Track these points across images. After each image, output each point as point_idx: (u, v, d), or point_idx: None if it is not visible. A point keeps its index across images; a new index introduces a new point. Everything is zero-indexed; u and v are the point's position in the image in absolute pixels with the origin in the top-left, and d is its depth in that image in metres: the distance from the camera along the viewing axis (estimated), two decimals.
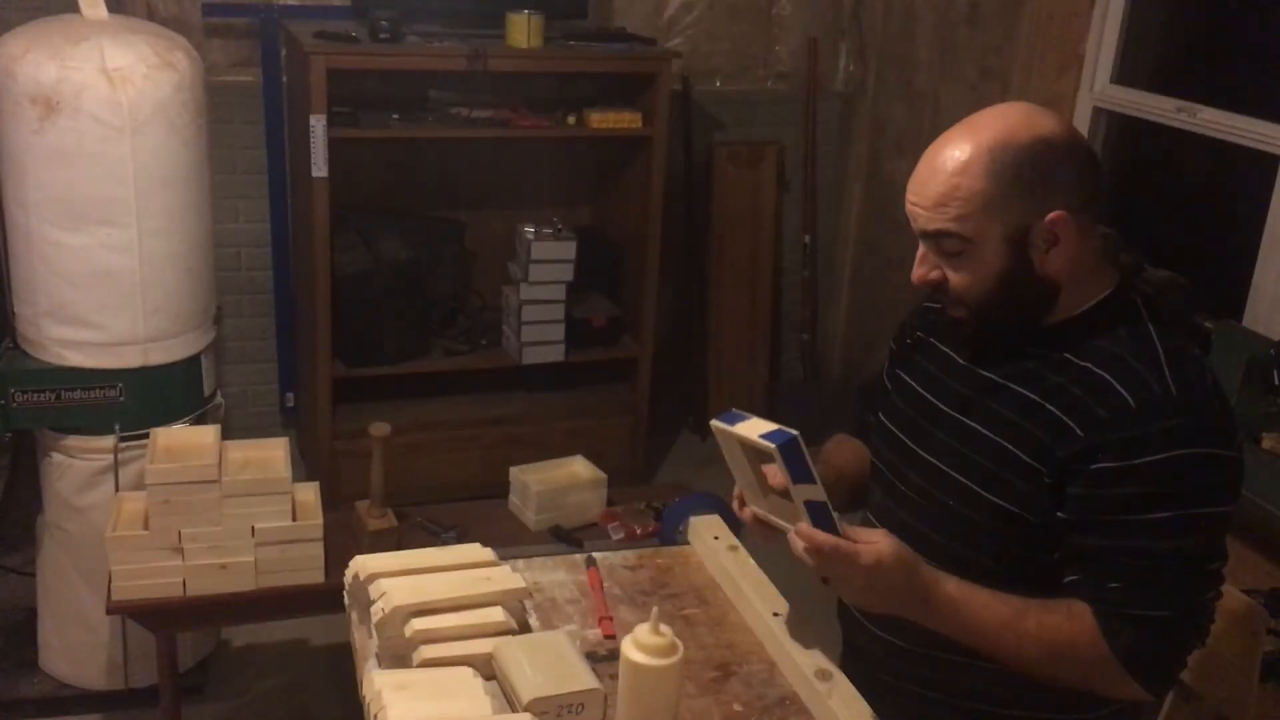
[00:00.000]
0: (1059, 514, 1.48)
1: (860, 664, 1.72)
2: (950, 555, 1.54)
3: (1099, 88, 3.49)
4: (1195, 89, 3.21)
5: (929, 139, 1.54)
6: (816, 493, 1.43)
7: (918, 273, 1.54)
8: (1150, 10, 3.46)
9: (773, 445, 1.41)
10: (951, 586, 1.47)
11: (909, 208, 1.51)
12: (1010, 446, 1.51)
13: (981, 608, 1.47)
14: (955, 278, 1.51)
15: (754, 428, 1.49)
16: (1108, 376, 1.46)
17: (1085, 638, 1.44)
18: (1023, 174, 1.43)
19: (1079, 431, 1.45)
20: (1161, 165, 3.57)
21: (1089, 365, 1.48)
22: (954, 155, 1.45)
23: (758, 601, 1.77)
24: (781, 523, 1.54)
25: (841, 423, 2.00)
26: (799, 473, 1.42)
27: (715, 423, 1.55)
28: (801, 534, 1.44)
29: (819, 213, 4.58)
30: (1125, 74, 3.45)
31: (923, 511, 1.62)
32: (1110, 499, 1.43)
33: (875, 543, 1.43)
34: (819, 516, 1.44)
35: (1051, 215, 1.44)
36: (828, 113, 4.55)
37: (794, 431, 1.43)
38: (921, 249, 1.53)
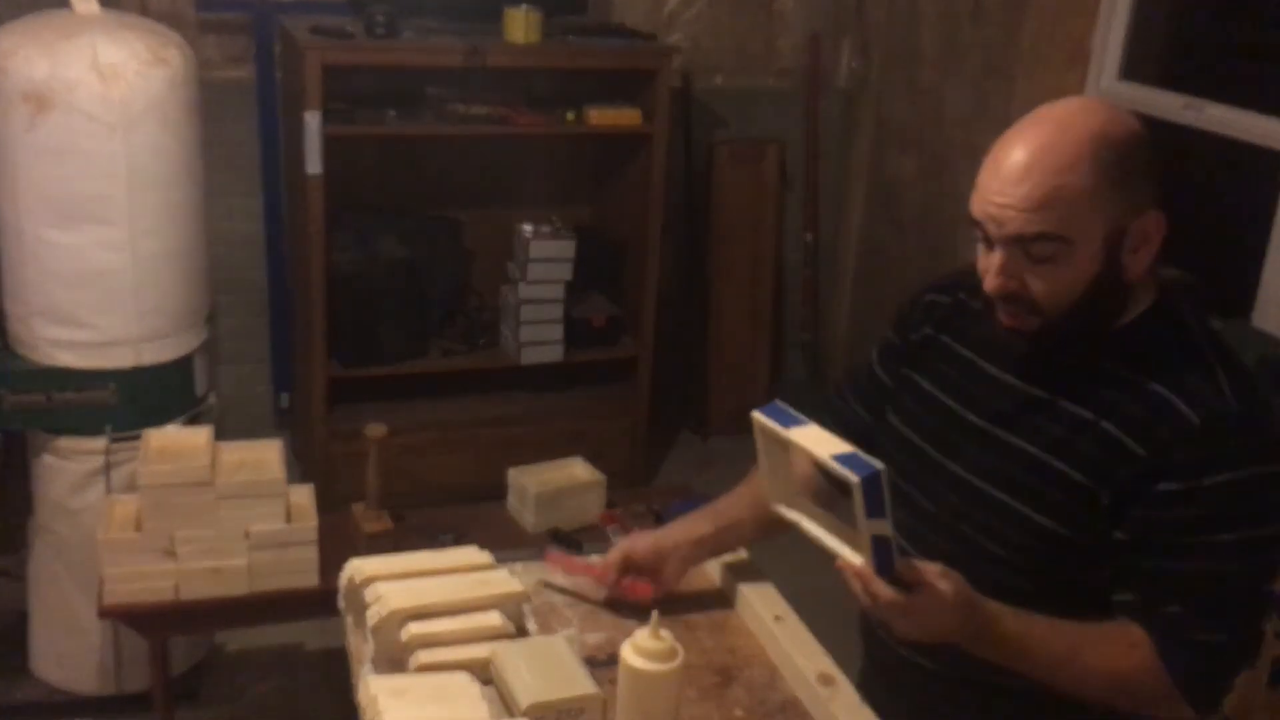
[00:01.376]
0: (1116, 534, 1.43)
1: (884, 683, 1.68)
2: (987, 580, 1.48)
3: (1105, 84, 3.47)
4: (1203, 85, 3.19)
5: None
6: (884, 528, 1.33)
7: (996, 283, 1.41)
8: (1157, 5, 3.45)
9: (855, 479, 1.29)
10: (1009, 623, 1.40)
11: (992, 211, 1.39)
12: (1062, 466, 1.45)
13: (1038, 644, 1.41)
14: (1041, 285, 1.40)
15: (819, 442, 1.37)
16: (1167, 393, 1.40)
17: (1145, 667, 1.40)
18: (1124, 170, 1.37)
19: (1140, 451, 1.40)
20: (1169, 162, 3.55)
21: (1143, 380, 1.42)
22: (1053, 152, 1.35)
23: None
24: (820, 534, 1.45)
25: None
26: (875, 509, 1.31)
27: (758, 417, 1.44)
28: (863, 577, 1.36)
29: (821, 211, 4.56)
30: (1132, 70, 3.43)
31: (953, 532, 1.55)
32: (1174, 521, 1.38)
33: (935, 586, 1.35)
34: (881, 552, 1.34)
35: (1148, 213, 1.39)
36: (830, 109, 4.53)
37: (877, 464, 1.31)
38: (1001, 256, 1.41)
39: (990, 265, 1.43)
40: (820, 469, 1.36)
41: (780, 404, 1.45)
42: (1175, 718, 1.44)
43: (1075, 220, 1.36)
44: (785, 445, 1.43)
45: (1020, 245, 1.39)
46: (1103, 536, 1.43)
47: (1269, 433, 1.40)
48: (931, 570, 1.36)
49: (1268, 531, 1.39)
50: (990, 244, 1.43)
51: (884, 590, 1.34)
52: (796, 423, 1.41)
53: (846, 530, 1.39)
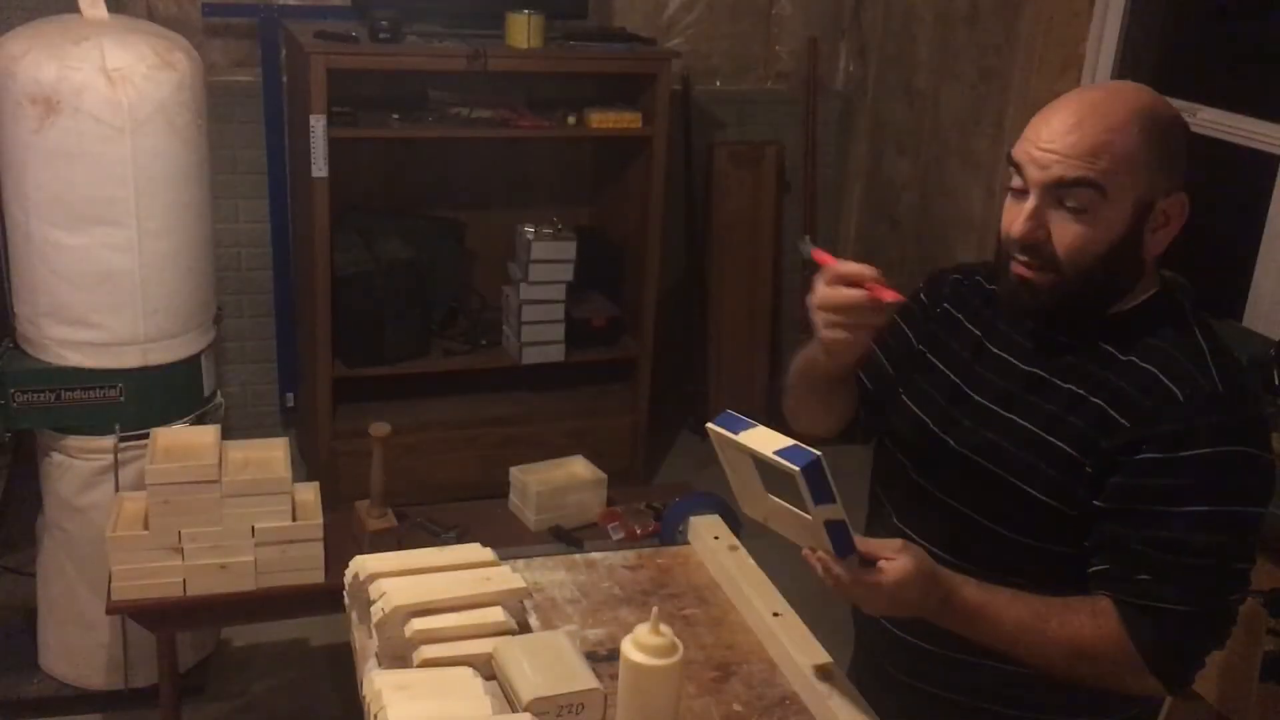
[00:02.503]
0: (1095, 502, 1.45)
1: (874, 665, 1.70)
2: (983, 556, 1.51)
3: None
4: (1195, 89, 3.21)
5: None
6: (836, 511, 1.37)
7: (1026, 226, 1.44)
8: (1150, 10, 3.46)
9: (795, 469, 1.34)
10: (970, 591, 1.44)
11: (1037, 154, 1.43)
12: (1055, 441, 1.48)
13: (1002, 610, 1.44)
14: (1068, 235, 1.43)
15: (764, 441, 1.41)
16: (1155, 370, 1.44)
17: (1110, 635, 1.42)
18: (1165, 146, 1.42)
19: (1125, 423, 1.43)
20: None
21: (1134, 360, 1.46)
22: (1106, 111, 1.41)
23: (758, 601, 1.76)
24: (788, 531, 1.48)
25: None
26: (821, 495, 1.35)
27: (713, 427, 1.47)
28: (823, 564, 1.40)
29: (819, 213, 4.57)
30: (1125, 74, 3.45)
31: (951, 508, 1.58)
32: (1150, 489, 1.41)
33: (894, 560, 1.39)
34: (838, 535, 1.38)
35: (1176, 195, 1.44)
36: (828, 112, 4.55)
37: (815, 452, 1.34)
38: (1034, 202, 1.44)
39: (1020, 212, 1.46)
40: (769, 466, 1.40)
41: (731, 412, 1.48)
42: (1142, 689, 1.46)
43: (1114, 176, 1.40)
44: (740, 450, 1.47)
45: (1057, 192, 1.43)
46: (1087, 507, 1.46)
47: (1248, 418, 1.43)
48: (891, 545, 1.40)
49: (1240, 510, 1.41)
50: (1021, 194, 1.46)
51: (845, 572, 1.38)
52: (745, 426, 1.45)
53: (810, 521, 1.43)
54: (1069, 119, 1.42)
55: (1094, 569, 1.47)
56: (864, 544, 1.40)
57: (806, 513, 1.38)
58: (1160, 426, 1.41)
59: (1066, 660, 1.44)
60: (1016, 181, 1.47)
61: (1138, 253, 1.46)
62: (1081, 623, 1.43)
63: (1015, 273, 1.49)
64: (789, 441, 1.38)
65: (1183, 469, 1.40)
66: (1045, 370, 1.53)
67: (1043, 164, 1.42)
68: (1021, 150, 1.46)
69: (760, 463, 1.45)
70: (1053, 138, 1.42)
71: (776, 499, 1.50)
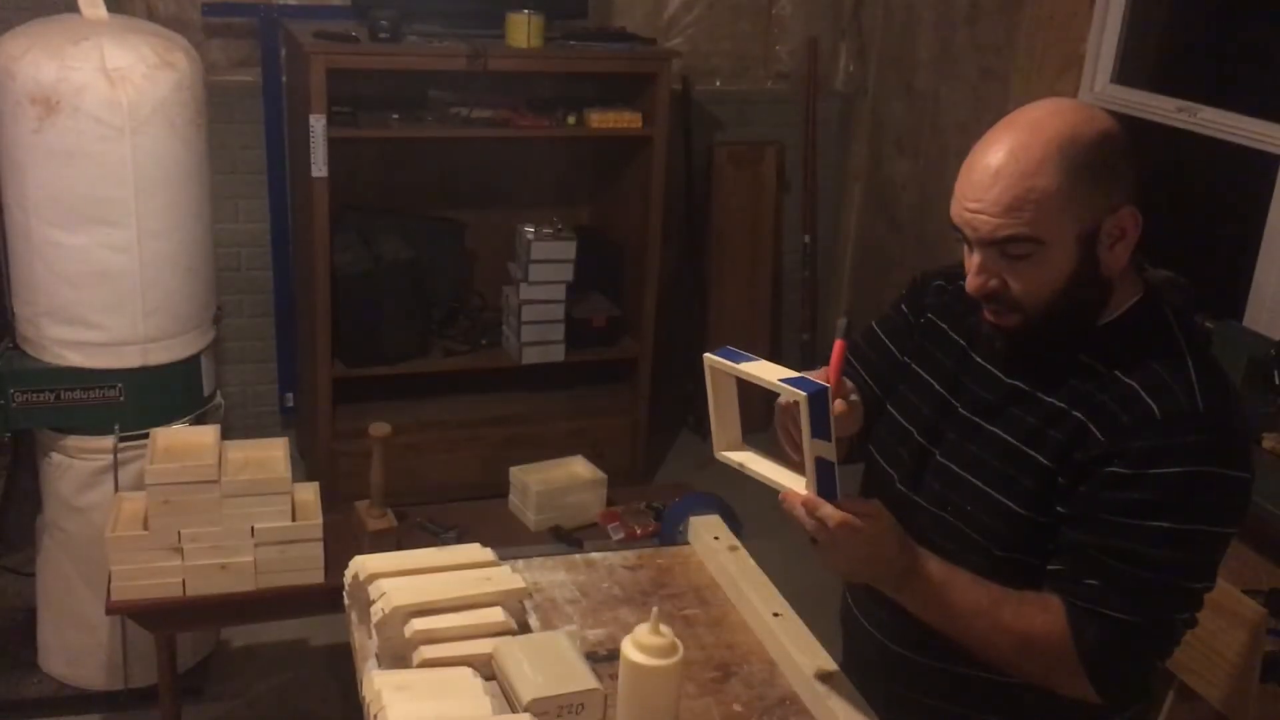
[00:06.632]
0: (1059, 508, 1.46)
1: (861, 674, 1.69)
2: (969, 566, 1.50)
3: (1099, 88, 3.49)
4: (1196, 89, 3.21)
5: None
6: (829, 451, 1.39)
7: (976, 282, 1.46)
8: (1151, 10, 3.46)
9: (802, 394, 1.35)
10: (935, 567, 1.46)
11: (967, 215, 1.43)
12: (1034, 454, 1.48)
13: (960, 591, 1.45)
14: (1019, 284, 1.44)
15: (767, 370, 1.43)
16: (1135, 385, 1.43)
17: (1055, 631, 1.43)
18: (1094, 169, 1.39)
19: (1100, 436, 1.43)
20: (1162, 165, 3.57)
21: (1117, 373, 1.45)
22: (1022, 155, 1.39)
23: (758, 602, 1.77)
24: (765, 475, 1.50)
25: None
26: (819, 428, 1.37)
27: (711, 358, 1.49)
28: (809, 504, 1.40)
29: (819, 212, 4.57)
30: (1126, 74, 3.45)
31: (937, 519, 1.58)
32: (1114, 501, 1.41)
33: (874, 516, 1.41)
34: (824, 476, 1.40)
35: (1122, 210, 1.42)
36: (828, 113, 4.54)
37: (824, 383, 1.38)
38: (979, 257, 1.45)
39: (970, 266, 1.47)
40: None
41: (731, 348, 1.50)
42: (1074, 691, 1.46)
43: (1046, 221, 1.39)
44: (734, 385, 1.50)
45: (995, 247, 1.43)
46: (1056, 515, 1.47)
47: (1228, 437, 1.41)
48: (869, 504, 1.42)
49: (1202, 529, 1.41)
50: (970, 246, 1.47)
51: (832, 512, 1.38)
52: (747, 359, 1.47)
53: (787, 472, 1.47)
54: (988, 171, 1.41)
55: (1050, 568, 1.48)
56: (842, 502, 1.41)
57: (800, 446, 1.40)
58: (1134, 443, 1.40)
59: (1013, 650, 1.46)
60: (959, 235, 1.48)
61: (1097, 274, 1.45)
62: (1032, 615, 1.44)
63: (985, 318, 1.51)
64: (794, 373, 1.41)
65: (1150, 485, 1.39)
66: (1026, 383, 1.53)
67: (973, 225, 1.43)
68: (955, 211, 1.46)
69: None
70: (976, 195, 1.42)
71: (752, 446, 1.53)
